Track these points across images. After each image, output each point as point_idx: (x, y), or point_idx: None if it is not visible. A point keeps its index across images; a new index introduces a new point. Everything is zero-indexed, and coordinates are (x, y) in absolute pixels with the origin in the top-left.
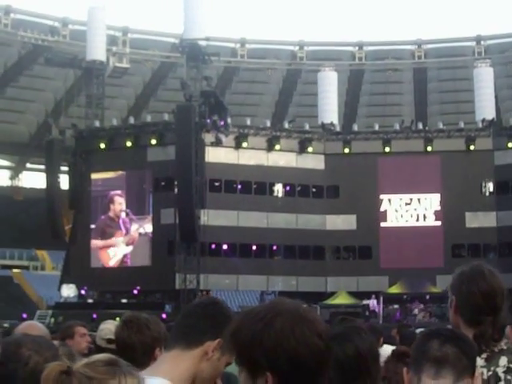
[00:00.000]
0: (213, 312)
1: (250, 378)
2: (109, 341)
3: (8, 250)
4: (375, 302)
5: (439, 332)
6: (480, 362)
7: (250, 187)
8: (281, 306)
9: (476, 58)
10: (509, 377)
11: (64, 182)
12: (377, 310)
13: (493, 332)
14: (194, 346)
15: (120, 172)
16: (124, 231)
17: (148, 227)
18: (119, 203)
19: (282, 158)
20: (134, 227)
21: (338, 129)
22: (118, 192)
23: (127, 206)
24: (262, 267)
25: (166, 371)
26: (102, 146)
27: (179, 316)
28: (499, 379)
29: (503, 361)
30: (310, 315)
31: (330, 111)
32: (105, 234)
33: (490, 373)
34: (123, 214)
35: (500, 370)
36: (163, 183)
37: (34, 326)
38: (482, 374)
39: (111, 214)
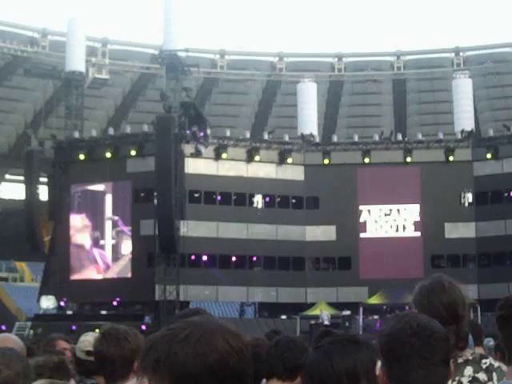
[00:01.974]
0: None
1: None
2: (88, 353)
3: None
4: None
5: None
6: None
7: (230, 198)
8: (209, 324)
9: (455, 69)
10: None
11: (43, 193)
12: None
13: (456, 340)
14: None
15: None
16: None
17: None
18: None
19: (262, 169)
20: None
21: (317, 140)
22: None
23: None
24: (242, 278)
25: None
26: (82, 157)
27: (163, 327)
28: None
29: (468, 371)
30: (236, 330)
31: (309, 122)
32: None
33: (455, 382)
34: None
35: (465, 380)
36: (143, 194)
37: (8, 339)
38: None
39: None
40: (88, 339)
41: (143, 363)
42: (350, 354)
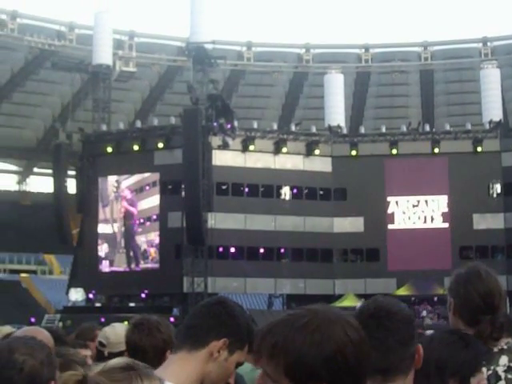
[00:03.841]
0: (217, 311)
1: None
2: (100, 343)
3: (16, 254)
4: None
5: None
6: None
7: (258, 190)
8: (329, 313)
9: (483, 59)
10: (510, 375)
11: (71, 186)
12: None
13: (492, 331)
14: (200, 347)
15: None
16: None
17: None
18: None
19: (289, 161)
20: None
21: (344, 131)
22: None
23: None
24: (270, 270)
25: (172, 374)
26: (109, 149)
27: (186, 317)
28: (499, 378)
29: (504, 360)
30: (356, 323)
31: (336, 114)
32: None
33: (490, 372)
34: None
35: (500, 369)
36: (170, 187)
37: (37, 332)
38: (482, 373)
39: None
40: (105, 329)
41: (260, 347)
42: (455, 350)
